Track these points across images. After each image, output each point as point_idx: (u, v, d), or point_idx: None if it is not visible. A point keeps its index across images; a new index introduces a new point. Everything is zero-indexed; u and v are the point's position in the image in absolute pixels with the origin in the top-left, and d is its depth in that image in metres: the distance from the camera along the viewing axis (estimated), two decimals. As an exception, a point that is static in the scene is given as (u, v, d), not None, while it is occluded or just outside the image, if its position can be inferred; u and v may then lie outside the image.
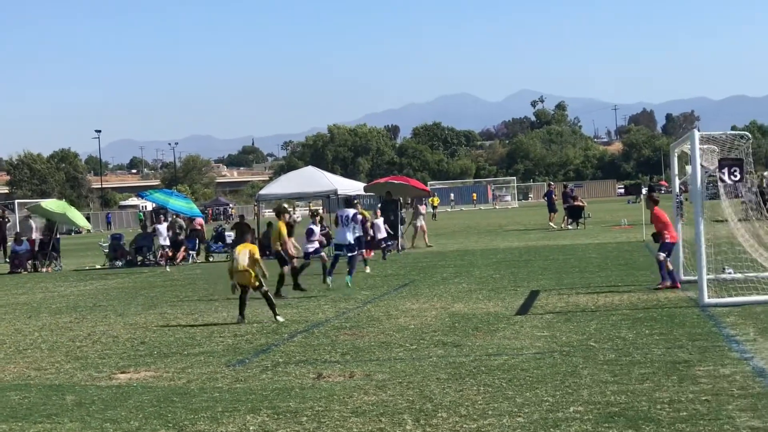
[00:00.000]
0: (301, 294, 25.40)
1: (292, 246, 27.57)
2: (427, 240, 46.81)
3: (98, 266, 45.26)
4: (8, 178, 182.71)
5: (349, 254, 26.36)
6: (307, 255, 27.14)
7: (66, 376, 15.19)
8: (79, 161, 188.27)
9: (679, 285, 22.56)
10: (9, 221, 52.98)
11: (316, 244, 27.93)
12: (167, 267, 39.07)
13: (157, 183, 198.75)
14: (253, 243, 22.00)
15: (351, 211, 26.57)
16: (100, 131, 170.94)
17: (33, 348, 18.59)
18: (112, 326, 21.40)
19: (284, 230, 26.61)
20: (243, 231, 22.37)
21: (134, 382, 14.33)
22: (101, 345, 18.50)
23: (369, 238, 35.93)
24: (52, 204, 52.59)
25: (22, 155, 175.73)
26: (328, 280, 26.15)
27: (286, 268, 25.93)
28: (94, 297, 29.32)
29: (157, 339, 18.90)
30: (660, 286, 22.50)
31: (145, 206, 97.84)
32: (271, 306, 20.79)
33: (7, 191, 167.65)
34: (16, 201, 64.66)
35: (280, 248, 26.16)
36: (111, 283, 34.70)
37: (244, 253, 20.89)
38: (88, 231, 76.22)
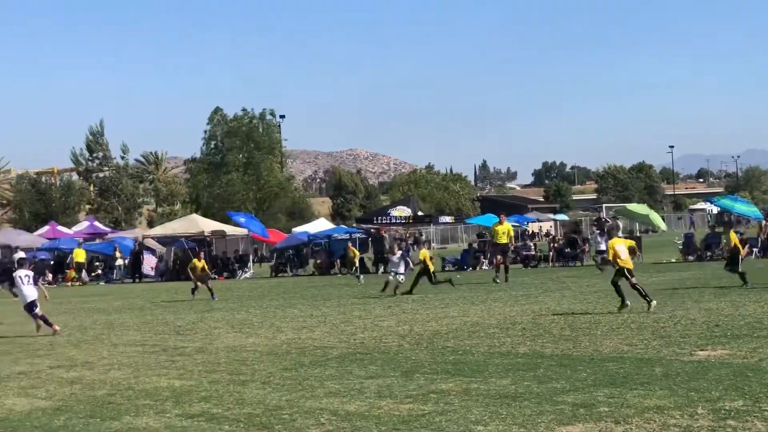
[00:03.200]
0: None
1: None
2: None
3: (673, 260, 44.89)
4: (596, 186, 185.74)
5: None
6: None
7: (653, 351, 15.05)
8: (654, 172, 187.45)
9: None
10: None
11: None
12: None
13: (720, 190, 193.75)
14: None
15: None
16: (672, 146, 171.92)
17: (623, 327, 18.60)
18: (689, 311, 21.00)
19: None
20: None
21: (712, 358, 13.98)
22: (681, 326, 18.21)
23: None
24: (636, 207, 53.00)
25: (607, 167, 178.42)
26: None
27: None
28: (671, 285, 29.00)
29: (728, 322, 18.33)
30: None
31: (711, 209, 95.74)
32: None
33: (595, 197, 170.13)
34: (603, 205, 65.53)
35: None
36: (685, 274, 34.19)
37: None
38: (663, 231, 75.58)
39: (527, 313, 22.40)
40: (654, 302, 21.04)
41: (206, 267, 35.75)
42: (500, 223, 36.99)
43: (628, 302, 21.13)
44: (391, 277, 30.67)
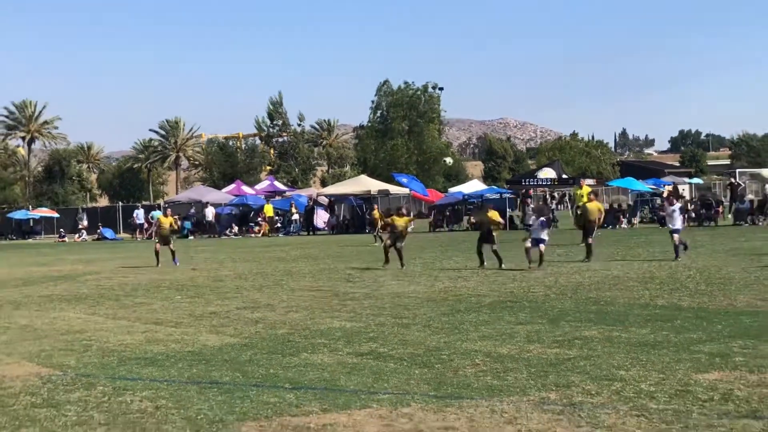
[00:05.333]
0: None
1: None
2: None
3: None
4: (730, 153, 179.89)
5: None
6: None
7: (785, 306, 14.55)
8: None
9: None
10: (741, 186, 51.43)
11: None
12: None
13: None
14: None
15: None
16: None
17: (757, 283, 17.98)
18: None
19: None
20: None
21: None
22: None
23: None
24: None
25: (742, 135, 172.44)
26: None
27: None
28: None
29: None
30: None
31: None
32: None
33: (728, 163, 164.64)
34: (737, 170, 63.37)
35: None
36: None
37: None
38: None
39: (665, 268, 21.88)
40: None
41: (174, 224, 30.33)
42: (580, 187, 35.16)
43: None
44: (528, 244, 23.46)
